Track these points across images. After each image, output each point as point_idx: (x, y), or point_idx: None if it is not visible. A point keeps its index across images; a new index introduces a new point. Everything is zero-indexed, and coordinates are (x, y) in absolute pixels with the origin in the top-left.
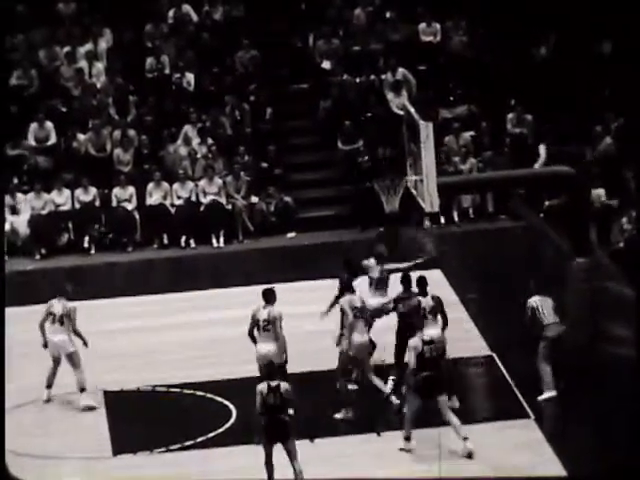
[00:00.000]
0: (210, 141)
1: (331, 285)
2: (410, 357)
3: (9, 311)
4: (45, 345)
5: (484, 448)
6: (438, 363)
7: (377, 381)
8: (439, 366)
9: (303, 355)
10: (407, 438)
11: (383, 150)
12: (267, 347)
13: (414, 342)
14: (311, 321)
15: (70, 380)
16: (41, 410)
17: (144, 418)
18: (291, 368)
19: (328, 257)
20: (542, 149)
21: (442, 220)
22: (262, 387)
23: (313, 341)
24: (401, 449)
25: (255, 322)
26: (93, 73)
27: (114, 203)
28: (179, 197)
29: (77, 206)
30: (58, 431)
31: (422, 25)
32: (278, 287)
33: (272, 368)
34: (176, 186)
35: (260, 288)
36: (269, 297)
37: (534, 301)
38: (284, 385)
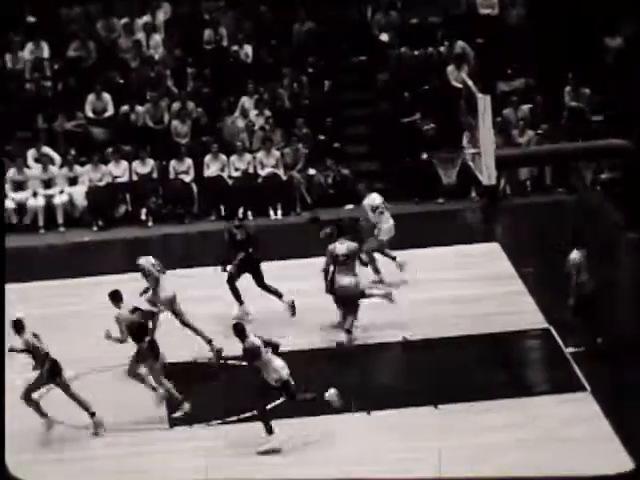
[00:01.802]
0: (268, 113)
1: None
2: None
3: (67, 282)
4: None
5: (540, 421)
6: None
7: None
8: None
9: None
10: None
11: (441, 123)
12: (347, 279)
13: None
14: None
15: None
16: (100, 381)
17: (200, 390)
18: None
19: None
20: None
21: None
22: None
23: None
24: None
25: (334, 257)
26: (151, 45)
27: (172, 175)
28: (237, 169)
29: (135, 178)
30: (116, 402)
31: None
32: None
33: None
34: (233, 158)
35: (317, 260)
36: (346, 230)
37: (575, 257)
38: None
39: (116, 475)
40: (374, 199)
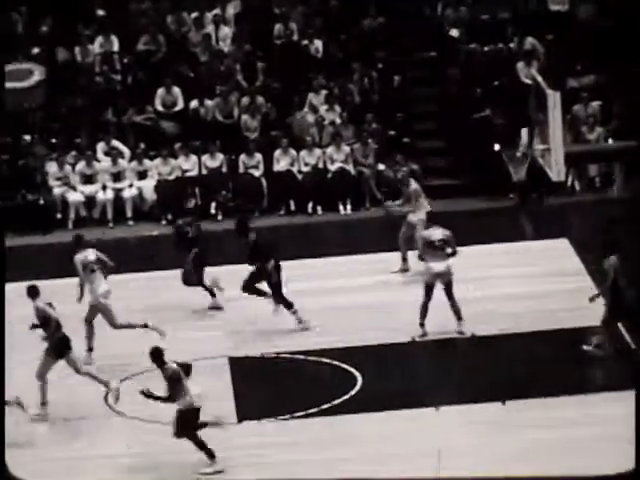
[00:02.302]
0: (338, 108)
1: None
2: None
3: (135, 276)
4: None
5: (605, 417)
6: None
7: None
8: None
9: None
10: None
11: (511, 119)
12: (442, 265)
13: None
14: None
15: (196, 347)
16: None
17: (268, 385)
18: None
19: (457, 225)
20: None
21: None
22: None
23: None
24: None
25: (429, 243)
26: (220, 38)
27: (241, 169)
28: (306, 164)
29: (204, 172)
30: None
31: None
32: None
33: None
34: (303, 153)
35: (388, 255)
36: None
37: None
38: None
39: (183, 469)
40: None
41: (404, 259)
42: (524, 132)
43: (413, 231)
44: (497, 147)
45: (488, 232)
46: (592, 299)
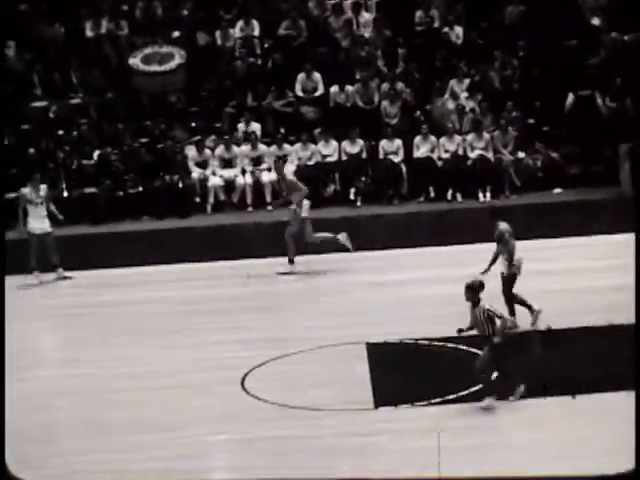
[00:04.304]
0: (478, 96)
1: (594, 242)
2: None
3: (276, 260)
4: None
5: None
6: None
7: None
8: None
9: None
10: None
11: None
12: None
13: None
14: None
15: (334, 332)
16: (309, 361)
17: (406, 371)
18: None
19: (593, 214)
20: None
21: None
22: None
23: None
24: None
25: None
26: (361, 24)
27: (381, 155)
28: (446, 151)
29: (344, 158)
30: (322, 382)
31: None
32: (544, 243)
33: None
34: (443, 140)
35: (530, 243)
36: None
37: None
38: None
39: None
40: None
41: None
42: None
43: None
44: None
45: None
46: None
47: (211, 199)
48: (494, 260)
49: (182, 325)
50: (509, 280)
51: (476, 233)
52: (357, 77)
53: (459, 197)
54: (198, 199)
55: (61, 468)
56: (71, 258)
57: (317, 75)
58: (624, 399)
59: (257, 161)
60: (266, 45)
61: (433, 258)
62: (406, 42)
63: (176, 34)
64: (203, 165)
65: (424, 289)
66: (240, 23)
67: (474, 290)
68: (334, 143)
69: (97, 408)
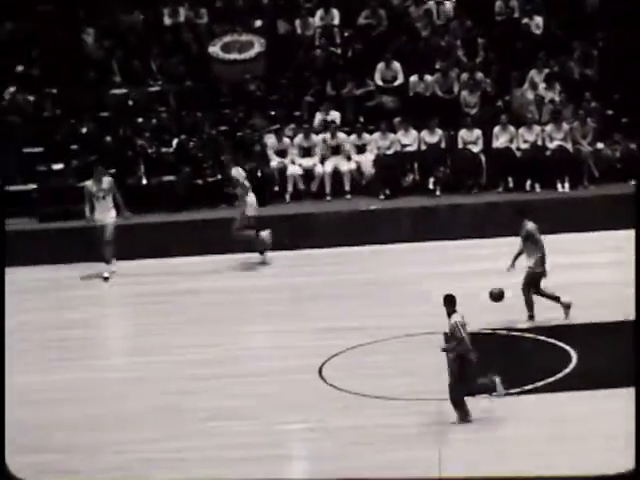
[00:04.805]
0: (557, 86)
1: None
2: None
3: (350, 250)
4: None
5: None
6: None
7: None
8: None
9: None
10: None
11: None
12: None
13: None
14: None
15: (411, 322)
16: (386, 351)
17: (483, 361)
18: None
19: None
20: None
21: None
22: None
23: None
24: None
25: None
26: (441, 14)
27: (460, 145)
28: (525, 141)
29: (423, 147)
30: (398, 372)
31: None
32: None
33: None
34: (522, 130)
35: (608, 234)
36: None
37: None
38: None
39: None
40: None
41: None
42: None
43: None
44: None
45: None
46: None
47: (290, 188)
48: (518, 256)
49: (257, 313)
50: (537, 278)
51: (555, 224)
52: (437, 67)
53: (537, 187)
54: (277, 187)
55: (136, 454)
56: (147, 245)
57: (397, 64)
58: (625, 398)
59: (336, 150)
60: (346, 34)
61: (510, 248)
62: (486, 32)
63: (257, 23)
64: (282, 154)
65: (503, 280)
66: (320, 12)
67: (449, 302)
68: (414, 132)
69: (171, 396)
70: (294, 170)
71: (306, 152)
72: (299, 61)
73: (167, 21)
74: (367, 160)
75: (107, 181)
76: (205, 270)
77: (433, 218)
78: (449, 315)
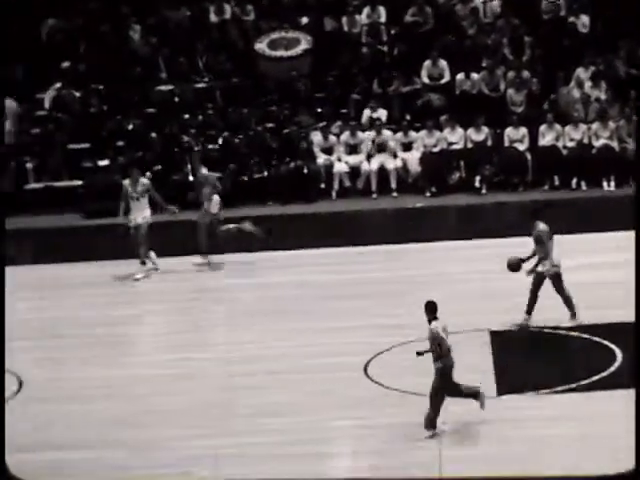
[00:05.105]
0: (604, 85)
1: None
2: None
3: (396, 248)
4: None
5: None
6: None
7: None
8: None
9: None
10: None
11: None
12: None
13: None
14: None
15: (457, 319)
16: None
17: (528, 359)
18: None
19: None
20: None
21: None
22: None
23: None
24: None
25: None
26: (488, 12)
27: (506, 143)
28: (571, 139)
29: (469, 145)
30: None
31: None
32: None
33: None
34: (568, 128)
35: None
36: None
37: None
38: None
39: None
40: None
41: None
42: None
43: None
44: None
45: None
46: None
47: (336, 185)
48: (532, 257)
49: (304, 310)
50: (557, 278)
51: (599, 222)
52: (483, 65)
53: (583, 186)
54: (323, 185)
55: (186, 451)
56: (192, 242)
57: (443, 62)
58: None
59: (382, 147)
60: (392, 32)
61: (562, 246)
62: (532, 30)
63: (304, 20)
64: (328, 151)
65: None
66: (367, 9)
67: (430, 309)
68: (460, 130)
69: (223, 391)
70: (340, 167)
71: (352, 149)
72: (345, 59)
73: (213, 18)
74: (413, 158)
75: (142, 183)
76: (249, 267)
77: (479, 216)
78: (429, 322)
